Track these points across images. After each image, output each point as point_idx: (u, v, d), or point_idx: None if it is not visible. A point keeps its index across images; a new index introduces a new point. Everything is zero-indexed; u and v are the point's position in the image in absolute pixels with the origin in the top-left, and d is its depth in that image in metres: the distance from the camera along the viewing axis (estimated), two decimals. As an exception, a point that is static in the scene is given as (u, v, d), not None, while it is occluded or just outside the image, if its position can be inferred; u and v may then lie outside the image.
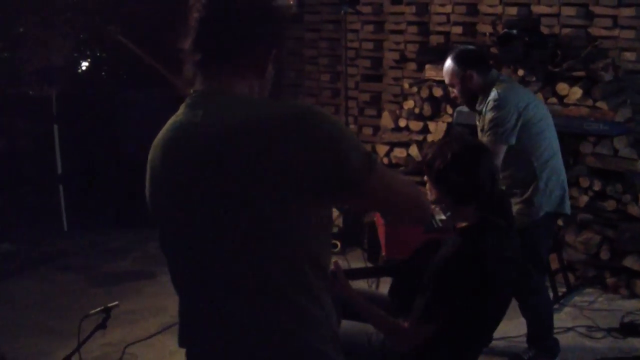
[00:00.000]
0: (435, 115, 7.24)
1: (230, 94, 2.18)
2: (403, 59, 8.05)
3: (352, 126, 8.26)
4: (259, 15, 2.19)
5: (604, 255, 6.14)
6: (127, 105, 8.07)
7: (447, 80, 4.95)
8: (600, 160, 6.20)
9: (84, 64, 9.40)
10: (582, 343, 5.33)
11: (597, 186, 6.17)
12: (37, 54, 8.46)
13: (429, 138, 7.17)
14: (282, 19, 2.29)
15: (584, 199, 6.22)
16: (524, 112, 4.70)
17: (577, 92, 6.32)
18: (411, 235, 3.86)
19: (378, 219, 5.61)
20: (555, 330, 5.08)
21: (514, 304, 5.06)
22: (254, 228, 2.04)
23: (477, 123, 5.03)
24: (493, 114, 4.67)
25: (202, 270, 2.16)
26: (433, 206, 3.34)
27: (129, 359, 5.18)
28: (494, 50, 6.93)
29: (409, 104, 7.46)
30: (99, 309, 3.92)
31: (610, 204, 6.15)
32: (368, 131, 8.41)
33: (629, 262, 6.03)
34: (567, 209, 4.95)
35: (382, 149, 7.66)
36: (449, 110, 7.10)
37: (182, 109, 2.22)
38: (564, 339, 5.23)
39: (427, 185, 3.41)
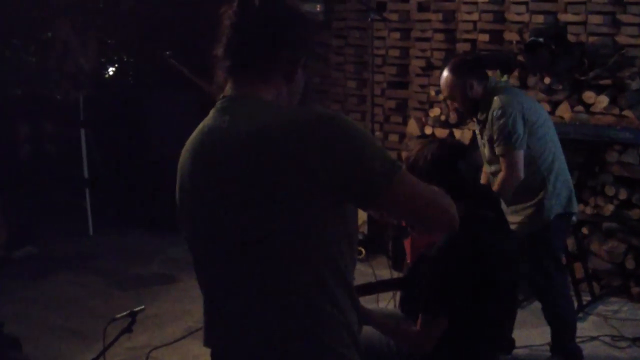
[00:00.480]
0: (461, 123, 7.23)
1: (258, 99, 2.20)
2: (429, 67, 8.05)
3: (377, 133, 8.26)
4: (287, 22, 2.22)
5: (629, 264, 6.11)
6: (153, 109, 8.12)
7: (446, 93, 4.93)
8: (626, 168, 6.17)
9: (111, 69, 9.47)
10: (607, 352, 5.31)
11: (622, 195, 6.14)
12: (65, 59, 8.53)
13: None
14: (310, 25, 2.32)
15: (610, 207, 6.19)
16: (527, 116, 4.72)
17: (603, 101, 6.29)
18: (432, 240, 3.87)
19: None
20: (579, 339, 5.07)
21: (538, 311, 5.07)
22: (275, 232, 2.09)
23: (477, 133, 5.04)
24: (501, 122, 4.67)
25: (224, 271, 2.21)
26: None
27: (153, 363, 5.22)
28: (520, 58, 6.93)
29: (435, 111, 7.46)
30: (125, 313, 3.94)
31: (635, 213, 6.12)
32: (394, 138, 8.41)
33: (654, 271, 6.00)
34: (575, 208, 4.98)
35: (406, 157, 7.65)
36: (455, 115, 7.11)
37: (211, 113, 2.26)
38: (588, 348, 5.21)
39: None
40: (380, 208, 2.23)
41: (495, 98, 4.73)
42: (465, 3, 7.70)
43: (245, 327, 2.20)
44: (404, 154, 7.62)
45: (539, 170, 4.78)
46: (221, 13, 2.25)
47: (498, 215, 3.51)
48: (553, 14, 7.07)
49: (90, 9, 8.95)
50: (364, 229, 7.35)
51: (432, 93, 7.76)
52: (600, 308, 6.01)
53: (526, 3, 7.24)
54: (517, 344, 5.12)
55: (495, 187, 4.70)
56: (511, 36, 7.31)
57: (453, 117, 7.23)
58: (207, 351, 2.35)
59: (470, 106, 4.87)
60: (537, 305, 5.19)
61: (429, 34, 8.04)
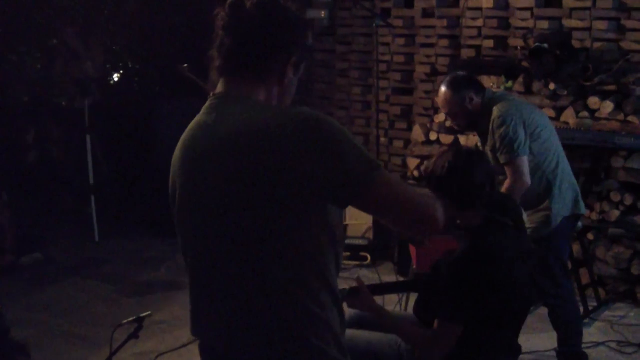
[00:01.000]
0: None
1: (246, 98, 2.26)
2: (434, 72, 8.06)
3: (382, 139, 8.27)
4: (276, 23, 2.27)
5: (635, 269, 6.10)
6: (159, 115, 8.13)
7: (445, 110, 4.93)
8: (632, 174, 6.17)
9: (116, 75, 9.49)
10: (613, 358, 5.31)
11: (628, 200, 6.14)
12: (71, 66, 8.56)
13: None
14: (301, 27, 2.35)
15: (615, 213, 6.19)
16: (528, 122, 4.72)
17: (608, 106, 6.30)
18: (442, 248, 3.87)
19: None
20: (585, 345, 5.07)
21: (544, 317, 5.07)
22: (254, 228, 2.15)
23: (479, 144, 5.06)
24: (501, 130, 4.67)
25: (208, 264, 2.28)
26: None
27: (159, 368, 5.23)
28: (525, 63, 6.93)
29: (440, 117, 7.47)
30: (131, 318, 3.94)
31: (641, 219, 6.12)
32: (399, 144, 8.42)
33: (660, 277, 6.00)
34: (582, 209, 4.98)
35: (412, 162, 7.67)
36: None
37: (202, 110, 2.33)
38: (594, 354, 5.21)
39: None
40: (361, 208, 2.24)
41: (495, 107, 4.74)
42: (470, 9, 7.71)
43: (230, 320, 2.26)
44: (409, 159, 7.65)
45: (544, 175, 4.79)
46: (215, 14, 2.31)
47: (517, 223, 3.53)
48: (557, 19, 7.08)
49: (94, 15, 8.97)
50: (370, 234, 7.36)
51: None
52: (606, 313, 6.01)
53: (531, 9, 7.26)
54: (523, 349, 5.08)
55: None
56: (515, 42, 7.32)
57: (458, 123, 7.23)
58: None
59: (471, 120, 4.87)
60: (543, 310, 5.20)
61: (433, 40, 8.06)
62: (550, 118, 5.13)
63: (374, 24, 7.53)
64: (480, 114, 4.82)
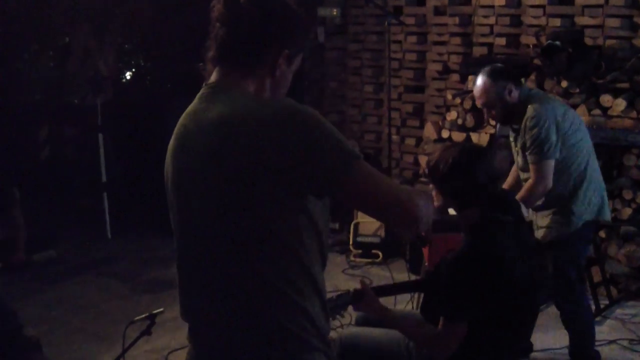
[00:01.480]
0: (477, 127, 7.23)
1: (236, 89, 2.29)
2: (446, 70, 8.06)
3: (394, 137, 8.26)
4: (269, 16, 2.29)
5: (647, 268, 6.10)
6: (170, 113, 8.13)
7: (482, 101, 4.82)
8: (644, 172, 6.16)
9: (128, 74, 9.52)
10: (624, 356, 5.30)
11: (640, 198, 6.14)
12: (84, 64, 8.59)
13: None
14: (296, 20, 2.36)
15: (627, 211, 6.18)
16: (561, 124, 4.67)
17: (621, 104, 6.29)
18: (454, 246, 3.87)
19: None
20: (597, 343, 5.06)
21: (556, 315, 5.07)
22: (232, 215, 2.19)
23: (511, 140, 5.01)
24: (534, 131, 4.63)
25: (192, 250, 2.33)
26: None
27: (171, 365, 5.25)
28: (537, 61, 6.92)
29: (452, 115, 7.47)
30: (144, 315, 3.96)
31: (653, 217, 6.11)
32: (411, 142, 8.42)
33: (672, 275, 5.98)
34: (607, 215, 4.93)
35: (424, 160, 7.66)
36: (492, 121, 7.08)
37: (195, 99, 2.37)
38: (605, 352, 5.20)
39: (434, 192, 3.53)
40: (339, 199, 2.24)
41: (530, 106, 4.68)
42: (482, 7, 7.70)
43: (214, 306, 2.30)
44: (421, 157, 7.65)
45: (572, 178, 4.73)
46: (211, 7, 2.34)
47: (518, 220, 3.52)
48: (570, 17, 7.07)
49: (107, 14, 8.99)
50: (382, 232, 7.36)
51: (449, 97, 7.77)
52: (618, 312, 6.00)
53: (543, 7, 7.25)
54: (535, 347, 5.12)
55: (520, 195, 4.67)
56: (528, 40, 7.31)
57: (470, 121, 7.23)
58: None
59: (508, 112, 4.80)
60: (554, 308, 5.19)
61: (445, 38, 8.06)
62: (582, 120, 5.07)
63: (386, 22, 7.52)
64: (516, 109, 4.79)
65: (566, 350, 5.04)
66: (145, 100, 8.80)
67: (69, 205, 8.56)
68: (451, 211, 3.71)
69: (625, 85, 6.39)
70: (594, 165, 4.88)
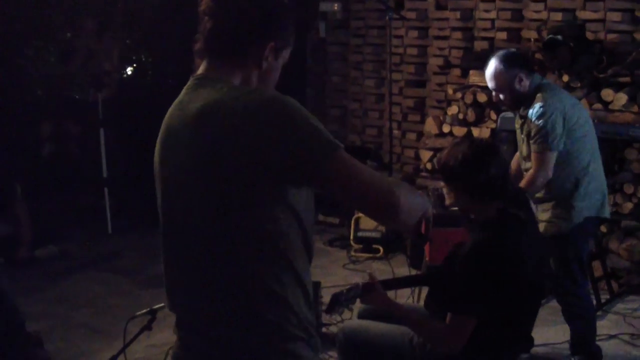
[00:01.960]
0: (479, 121, 7.23)
1: (222, 80, 2.29)
2: (447, 65, 8.05)
3: (395, 131, 8.26)
4: (255, 8, 2.29)
5: (648, 262, 6.10)
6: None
7: (493, 85, 4.82)
8: (646, 166, 6.16)
9: (129, 69, 9.51)
10: (625, 351, 5.30)
11: (642, 193, 6.13)
12: (87, 59, 8.58)
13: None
14: (283, 13, 2.36)
15: (629, 205, 6.18)
16: (568, 116, 4.67)
17: (622, 98, 6.28)
18: (455, 241, 3.87)
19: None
20: (598, 338, 5.06)
21: (557, 309, 5.06)
22: (214, 204, 2.21)
23: (517, 127, 5.00)
24: (541, 121, 4.63)
25: (175, 240, 2.37)
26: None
27: (173, 360, 5.24)
28: (538, 56, 6.91)
29: (453, 109, 7.46)
30: (145, 310, 3.97)
31: (655, 211, 6.11)
32: (412, 137, 8.42)
33: (674, 269, 5.98)
34: (607, 213, 4.94)
35: (425, 155, 7.67)
36: (493, 116, 7.09)
37: (182, 90, 2.39)
38: (607, 347, 5.20)
39: (445, 189, 3.53)
40: (318, 188, 2.26)
41: (538, 95, 4.68)
42: (483, 1, 7.70)
43: (197, 296, 2.32)
44: (422, 152, 7.64)
45: (574, 171, 4.73)
46: (199, 0, 2.36)
47: (528, 216, 3.53)
48: (571, 11, 7.06)
49: (110, 9, 8.99)
50: (382, 227, 7.36)
51: (450, 91, 7.77)
52: (619, 306, 6.00)
53: (544, 1, 7.25)
54: (536, 341, 5.10)
55: (522, 184, 4.68)
56: (529, 34, 7.30)
57: (471, 115, 7.23)
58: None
59: (517, 100, 4.80)
60: (555, 303, 5.19)
61: (447, 32, 8.05)
62: (588, 115, 5.07)
63: (387, 17, 7.51)
64: (525, 98, 4.78)
65: (567, 345, 5.05)
66: (146, 96, 8.78)
67: (70, 201, 8.55)
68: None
69: (626, 79, 6.39)
70: (598, 162, 4.88)
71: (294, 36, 2.41)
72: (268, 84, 2.40)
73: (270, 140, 2.11)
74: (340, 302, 3.55)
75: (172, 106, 2.38)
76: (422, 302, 4.07)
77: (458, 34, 7.94)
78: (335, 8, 8.60)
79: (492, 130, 7.05)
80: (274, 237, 2.20)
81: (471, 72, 7.40)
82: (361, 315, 4.06)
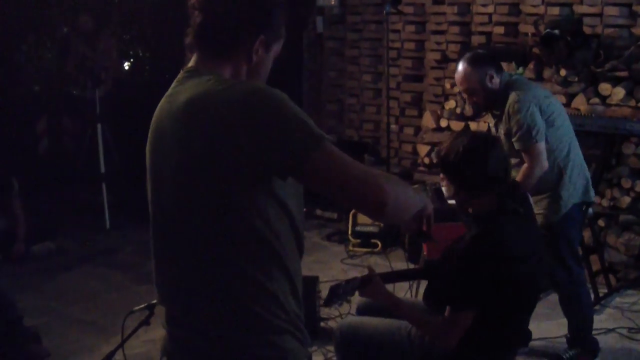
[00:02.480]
0: (476, 116, 7.22)
1: (211, 73, 2.29)
2: (444, 59, 8.05)
3: (393, 126, 8.26)
4: (242, 1, 2.28)
5: (646, 256, 6.10)
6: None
7: (465, 87, 4.81)
8: (643, 161, 6.16)
9: (126, 64, 9.50)
10: (623, 344, 5.30)
11: (639, 187, 6.12)
12: (83, 55, 8.58)
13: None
14: (272, 6, 2.35)
15: (626, 199, 6.18)
16: (544, 108, 4.69)
17: (619, 93, 6.28)
18: (453, 235, 3.86)
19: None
20: (596, 332, 5.07)
21: (554, 303, 5.07)
22: (200, 197, 2.20)
23: (491, 126, 5.02)
24: (519, 117, 4.63)
25: (163, 233, 2.37)
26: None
27: (170, 355, 5.24)
28: (536, 50, 6.91)
29: (450, 104, 7.47)
30: (142, 305, 3.96)
31: (652, 205, 6.11)
32: (409, 131, 8.42)
33: (671, 263, 5.98)
34: (592, 197, 4.98)
35: (423, 149, 7.67)
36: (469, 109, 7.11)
37: (172, 84, 2.38)
38: (604, 341, 5.21)
39: (444, 182, 3.52)
40: (302, 181, 2.24)
41: (512, 93, 4.69)
42: (481, -5, 7.70)
43: (184, 289, 2.32)
44: (419, 146, 7.65)
45: (556, 162, 4.76)
46: None
47: (527, 210, 3.52)
48: (569, 5, 7.06)
49: (106, 4, 8.98)
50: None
51: (448, 86, 7.77)
52: (617, 300, 6.00)
53: (541, -5, 7.24)
54: (534, 336, 5.11)
55: (518, 179, 4.68)
56: (526, 28, 7.30)
57: (468, 110, 7.23)
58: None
59: (490, 99, 4.79)
60: (553, 297, 5.19)
61: (444, 27, 8.05)
62: (562, 105, 5.09)
63: (384, 11, 7.52)
64: (498, 95, 4.79)
65: (564, 339, 5.06)
66: (144, 92, 8.78)
67: (68, 197, 8.56)
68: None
69: (624, 73, 6.38)
70: (577, 149, 4.91)
71: (284, 29, 2.39)
72: (259, 77, 2.39)
73: (254, 131, 2.10)
74: (338, 294, 3.55)
75: (162, 99, 2.38)
76: (420, 297, 4.07)
77: (455, 29, 7.94)
78: (332, 3, 8.61)
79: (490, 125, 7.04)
80: (262, 231, 2.20)
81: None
82: (360, 311, 4.06)
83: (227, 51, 2.32)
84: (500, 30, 7.54)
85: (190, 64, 2.37)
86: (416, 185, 5.68)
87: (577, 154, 4.89)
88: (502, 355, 3.56)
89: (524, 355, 5.00)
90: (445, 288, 3.45)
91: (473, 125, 7.21)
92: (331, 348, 4.85)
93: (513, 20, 7.51)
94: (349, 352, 3.76)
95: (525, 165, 4.71)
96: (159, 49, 9.30)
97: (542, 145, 4.66)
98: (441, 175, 3.59)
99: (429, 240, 2.85)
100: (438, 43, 8.11)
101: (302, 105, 8.84)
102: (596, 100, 6.41)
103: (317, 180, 2.18)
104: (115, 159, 8.28)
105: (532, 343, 5.06)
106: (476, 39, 7.77)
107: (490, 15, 7.67)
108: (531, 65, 6.92)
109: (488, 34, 7.69)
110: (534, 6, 7.28)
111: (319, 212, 8.24)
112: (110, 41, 8.89)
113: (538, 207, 4.81)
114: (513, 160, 4.81)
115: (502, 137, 4.82)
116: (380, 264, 6.73)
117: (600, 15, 6.86)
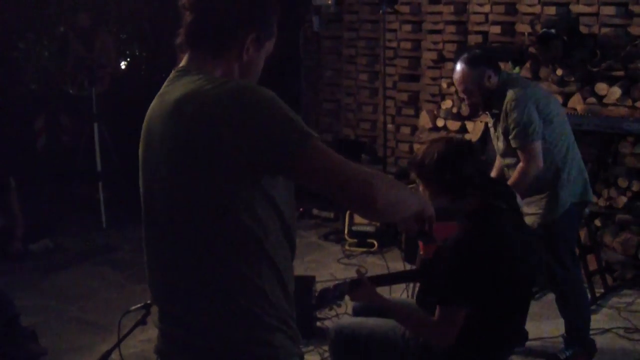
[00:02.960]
0: (473, 115, 7.20)
1: (201, 72, 2.29)
2: (441, 59, 8.04)
3: (390, 126, 8.26)
4: (234, 1, 2.29)
5: (643, 256, 6.11)
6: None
7: (462, 87, 4.81)
8: (640, 160, 6.16)
9: (123, 63, 9.50)
10: (620, 344, 5.31)
11: (636, 187, 6.13)
12: (80, 53, 8.58)
13: (467, 137, 7.16)
14: (262, 4, 2.35)
15: (623, 199, 6.19)
16: (541, 106, 4.69)
17: (616, 92, 6.29)
18: (449, 234, 3.87)
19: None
20: (592, 332, 5.08)
21: (551, 303, 5.07)
22: (190, 194, 2.21)
23: (490, 126, 5.01)
24: (516, 115, 4.63)
25: (155, 231, 2.37)
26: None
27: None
28: (532, 50, 6.91)
29: (447, 103, 7.47)
30: (139, 305, 3.97)
31: (649, 205, 6.11)
32: (406, 131, 8.41)
33: (667, 263, 5.99)
34: (590, 196, 4.98)
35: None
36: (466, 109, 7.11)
37: (164, 83, 2.39)
38: (601, 340, 5.21)
39: (420, 187, 3.53)
40: (291, 179, 2.25)
41: (509, 91, 4.69)
42: (477, -5, 7.70)
43: (175, 288, 2.33)
44: (416, 146, 7.64)
45: (554, 161, 4.76)
46: None
47: (512, 207, 3.53)
48: (565, 5, 7.06)
49: (105, 4, 8.98)
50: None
51: (444, 85, 7.77)
52: (614, 300, 6.01)
53: (538, -6, 7.24)
54: (530, 336, 5.13)
55: (513, 179, 4.68)
56: (523, 28, 7.30)
57: (465, 110, 7.23)
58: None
59: (487, 99, 4.79)
60: (550, 297, 5.20)
61: (440, 27, 8.04)
62: (560, 104, 5.10)
63: (381, 11, 7.51)
64: (496, 95, 4.78)
65: (561, 339, 5.06)
66: (140, 90, 8.77)
67: (64, 195, 8.55)
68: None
69: (620, 73, 6.39)
70: (575, 149, 4.92)
71: (276, 27, 2.39)
72: (250, 76, 2.39)
73: (243, 129, 2.11)
74: (327, 298, 3.56)
75: (154, 99, 2.38)
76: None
77: (452, 28, 7.93)
78: (329, 2, 8.58)
79: (486, 124, 7.03)
80: (251, 228, 2.20)
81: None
82: (356, 312, 4.07)
83: (218, 50, 2.32)
84: (496, 29, 7.54)
85: (182, 63, 2.37)
86: (412, 185, 5.66)
87: (575, 154, 4.89)
88: (498, 355, 3.57)
89: (521, 355, 5.01)
90: (436, 287, 3.45)
91: (470, 125, 7.22)
92: (327, 348, 4.85)
93: (509, 20, 7.51)
94: (344, 353, 3.76)
95: (520, 164, 4.72)
96: (156, 48, 9.29)
97: (538, 144, 4.66)
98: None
99: (430, 240, 2.86)
100: (434, 42, 8.11)
101: (299, 104, 8.85)
102: (593, 99, 6.42)
103: (306, 177, 2.19)
104: (112, 157, 8.27)
105: (529, 343, 5.07)
106: (473, 39, 7.76)
107: (486, 14, 7.66)
108: (528, 65, 6.92)
109: (484, 34, 7.68)
110: (531, 5, 7.28)
111: (315, 211, 8.25)
112: (108, 40, 8.89)
113: (536, 206, 4.81)
114: (510, 160, 4.83)
115: (501, 136, 4.83)
116: (377, 264, 6.74)
117: (596, 14, 6.86)
